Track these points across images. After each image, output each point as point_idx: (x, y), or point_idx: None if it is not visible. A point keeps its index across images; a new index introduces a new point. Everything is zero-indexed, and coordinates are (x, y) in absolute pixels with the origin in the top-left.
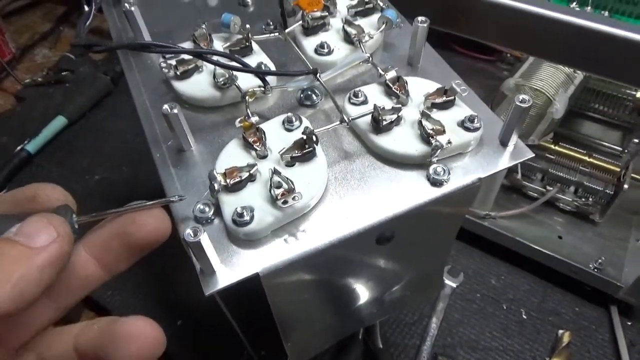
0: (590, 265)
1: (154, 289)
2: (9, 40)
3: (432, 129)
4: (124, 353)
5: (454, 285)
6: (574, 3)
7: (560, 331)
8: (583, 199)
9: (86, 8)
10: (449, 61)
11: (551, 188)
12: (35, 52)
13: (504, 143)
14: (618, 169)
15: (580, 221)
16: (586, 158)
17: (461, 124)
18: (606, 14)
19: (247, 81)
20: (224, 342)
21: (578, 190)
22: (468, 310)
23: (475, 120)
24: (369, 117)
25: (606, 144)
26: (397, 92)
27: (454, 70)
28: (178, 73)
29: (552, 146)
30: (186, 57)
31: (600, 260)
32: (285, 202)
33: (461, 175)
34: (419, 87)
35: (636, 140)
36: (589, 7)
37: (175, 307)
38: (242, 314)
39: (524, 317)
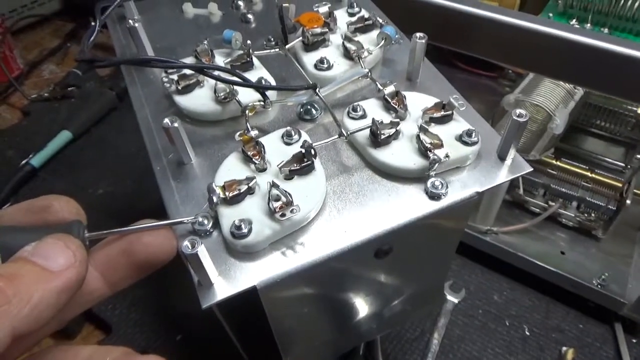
0: (594, 282)
1: (154, 303)
2: (17, 56)
3: (430, 143)
4: None
5: (456, 301)
6: (574, 20)
7: (564, 348)
8: (585, 215)
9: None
10: (451, 77)
11: (553, 203)
12: (43, 68)
13: (502, 157)
14: (620, 185)
15: (583, 237)
16: (588, 174)
17: (459, 138)
18: (606, 31)
19: (247, 96)
20: (223, 357)
21: (580, 205)
22: (470, 326)
23: (473, 134)
24: (367, 131)
25: (609, 159)
26: (396, 106)
27: (456, 86)
28: (180, 87)
29: (554, 162)
30: (188, 72)
31: (603, 277)
32: (283, 215)
33: (459, 189)
34: (418, 102)
35: (639, 156)
36: (589, 25)
37: (174, 322)
38: (242, 328)
39: (527, 333)
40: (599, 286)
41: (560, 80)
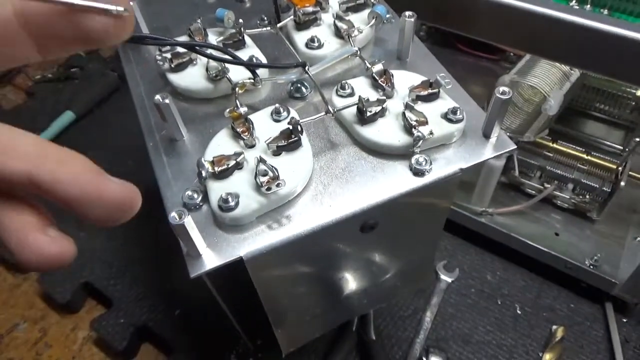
0: (586, 262)
1: (154, 279)
2: None
3: (416, 121)
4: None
5: (450, 280)
6: (574, 1)
7: (554, 326)
8: (580, 197)
9: None
10: (452, 59)
11: (549, 185)
12: None
13: (486, 135)
14: (615, 167)
15: (577, 219)
16: (584, 156)
17: (444, 116)
18: (605, 12)
19: (239, 74)
20: (221, 330)
21: (576, 187)
22: (462, 304)
23: (458, 112)
24: (354, 109)
25: (607, 142)
26: (383, 84)
27: (457, 68)
28: (173, 66)
29: (550, 144)
30: (181, 50)
31: (596, 257)
32: (269, 189)
33: (443, 165)
34: (405, 80)
35: (637, 139)
36: (589, 5)
37: (173, 297)
38: (236, 302)
39: (519, 312)
40: (592, 267)
41: (559, 63)
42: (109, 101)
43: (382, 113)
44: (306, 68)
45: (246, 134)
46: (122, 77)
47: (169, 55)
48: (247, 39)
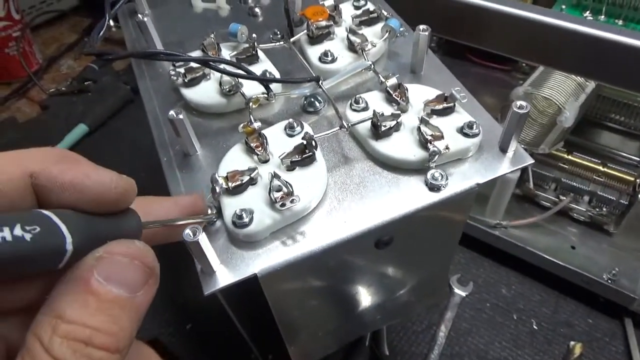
0: (604, 276)
1: (165, 294)
2: (36, 51)
3: (431, 135)
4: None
5: (464, 294)
6: (588, 12)
7: (572, 343)
8: (597, 209)
9: (112, 22)
10: (464, 71)
11: (564, 198)
12: (61, 63)
13: (503, 149)
14: (633, 179)
15: (594, 231)
16: (600, 167)
17: (460, 130)
18: (620, 22)
19: (252, 88)
20: (232, 345)
21: (592, 200)
22: (477, 319)
23: (474, 126)
24: (368, 123)
25: (623, 154)
26: (398, 99)
27: (469, 79)
28: (186, 80)
29: (566, 155)
30: (194, 65)
31: (614, 272)
32: (283, 205)
33: (459, 180)
34: (420, 94)
35: None
36: (603, 16)
37: (184, 312)
38: (249, 318)
39: (535, 327)
40: (609, 281)
41: (573, 74)
42: (121, 114)
43: (396, 127)
44: (320, 82)
45: (260, 149)
46: (134, 90)
47: (182, 70)
48: (261, 54)
